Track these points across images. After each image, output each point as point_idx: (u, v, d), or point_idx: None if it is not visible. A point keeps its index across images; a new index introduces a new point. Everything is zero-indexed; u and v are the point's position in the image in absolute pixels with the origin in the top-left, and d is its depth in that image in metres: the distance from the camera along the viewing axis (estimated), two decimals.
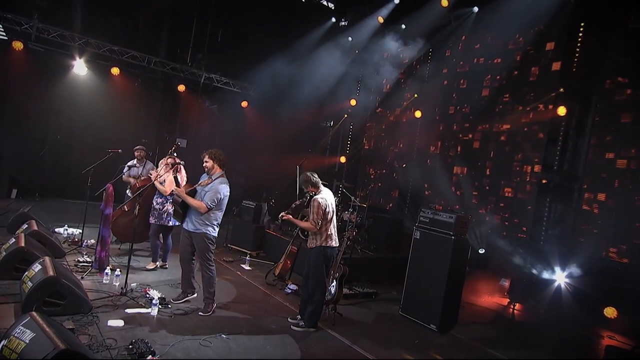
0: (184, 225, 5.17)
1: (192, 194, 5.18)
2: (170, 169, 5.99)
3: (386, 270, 7.71)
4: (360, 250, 7.87)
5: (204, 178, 5.29)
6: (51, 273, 4.30)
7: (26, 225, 6.30)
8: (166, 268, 6.52)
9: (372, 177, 11.80)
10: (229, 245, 8.62)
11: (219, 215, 5.15)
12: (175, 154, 6.21)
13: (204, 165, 5.16)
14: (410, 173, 10.44)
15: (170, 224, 6.27)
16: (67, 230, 7.57)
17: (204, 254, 5.09)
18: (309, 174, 5.06)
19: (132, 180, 7.14)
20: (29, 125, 10.42)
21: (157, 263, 6.50)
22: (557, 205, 7.45)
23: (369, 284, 7.04)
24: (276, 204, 10.04)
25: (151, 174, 6.29)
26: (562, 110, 7.49)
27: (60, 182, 11.11)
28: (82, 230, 6.94)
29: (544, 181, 7.64)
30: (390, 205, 11.03)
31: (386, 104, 11.51)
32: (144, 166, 7.31)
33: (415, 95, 10.52)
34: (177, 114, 12.57)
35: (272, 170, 11.63)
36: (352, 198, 8.18)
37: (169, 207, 6.24)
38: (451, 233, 5.58)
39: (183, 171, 6.22)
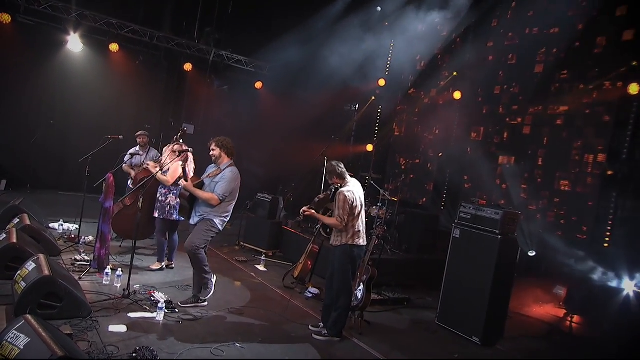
0: (191, 221, 5.30)
1: (200, 187, 5.25)
2: (177, 157, 6.02)
3: (420, 273, 7.71)
4: (390, 250, 7.86)
5: (211, 169, 5.39)
6: (47, 272, 4.35)
7: (18, 220, 6.39)
8: (172, 268, 6.59)
9: (403, 167, 11.69)
10: (242, 243, 8.68)
11: (230, 207, 5.29)
12: (181, 141, 6.32)
13: (210, 154, 5.29)
14: (447, 163, 10.29)
15: (174, 217, 6.32)
16: (62, 225, 7.67)
17: (198, 239, 5.12)
18: (334, 163, 5.12)
19: (132, 172, 7.25)
20: (18, 109, 10.68)
21: (163, 263, 6.54)
22: (625, 200, 7.26)
23: (400, 289, 7.05)
24: (294, 197, 10.07)
25: (148, 165, 6.38)
26: (634, 89, 7.25)
27: (55, 172, 11.31)
28: (80, 226, 7.08)
29: (609, 172, 7.48)
30: (424, 199, 10.93)
31: (420, 84, 11.33)
32: (147, 154, 7.44)
33: (455, 74, 10.36)
34: (183, 97, 12.74)
35: (290, 160, 11.60)
36: (381, 191, 8.15)
37: (172, 200, 6.27)
38: (497, 232, 5.49)
39: (191, 160, 6.23)
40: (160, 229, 6.44)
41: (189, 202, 5.34)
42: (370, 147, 11.92)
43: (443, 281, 5.98)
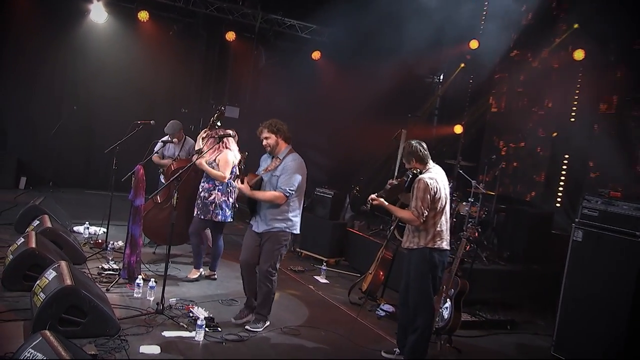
0: (253, 227, 5.45)
1: (258, 186, 5.35)
2: (217, 143, 6.18)
3: (527, 288, 7.58)
4: (486, 258, 7.72)
5: (265, 161, 5.51)
6: (69, 282, 4.52)
7: (38, 222, 6.73)
8: (215, 279, 6.78)
9: (503, 153, 11.39)
10: (298, 249, 8.84)
11: (299, 203, 5.42)
12: (219, 124, 6.44)
13: (264, 143, 5.37)
14: (564, 146, 9.98)
15: (219, 218, 6.46)
16: (88, 229, 8.00)
17: (271, 259, 5.34)
18: (414, 143, 5.09)
19: (165, 161, 7.48)
20: (37, 93, 11.17)
21: (201, 270, 6.77)
22: None
23: (500, 309, 6.95)
24: (362, 193, 9.92)
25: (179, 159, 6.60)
26: None
27: (80, 168, 11.98)
28: (107, 229, 7.28)
29: None
30: (533, 193, 10.64)
31: (527, 43, 10.97)
32: (182, 145, 7.62)
33: (576, 26, 9.92)
34: (225, 73, 13.00)
35: (357, 147, 11.62)
36: (473, 183, 8.08)
37: (219, 197, 6.43)
38: (639, 233, 5.33)
39: (234, 145, 6.45)
40: (196, 228, 6.57)
41: (248, 205, 5.45)
42: (458, 128, 11.68)
43: (560, 299, 5.79)
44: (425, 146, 5.12)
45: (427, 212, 4.87)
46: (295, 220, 5.41)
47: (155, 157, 7.55)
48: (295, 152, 5.42)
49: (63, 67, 11.38)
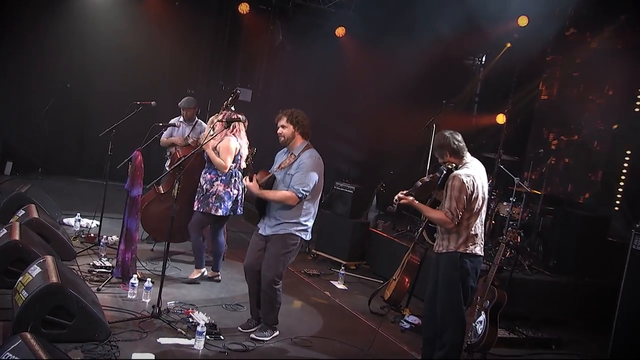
0: (260, 229, 5.52)
1: (270, 184, 5.38)
2: (226, 128, 6.22)
3: (577, 303, 7.52)
4: (528, 267, 7.64)
5: (280, 157, 5.55)
6: (55, 279, 4.52)
7: (23, 212, 6.78)
8: (219, 281, 6.86)
9: (552, 147, 11.24)
10: (314, 251, 8.86)
11: (313, 206, 5.45)
12: (233, 108, 6.47)
13: (278, 131, 5.39)
14: (626, 140, 9.79)
15: (220, 212, 6.51)
16: (80, 221, 8.09)
17: (276, 266, 5.35)
18: (447, 134, 5.04)
19: (175, 138, 7.68)
20: (26, 70, 11.10)
21: (203, 270, 6.83)
22: None
23: (545, 326, 6.88)
24: (390, 189, 9.70)
25: (190, 140, 6.60)
26: None
27: (72, 153, 12.12)
28: (100, 222, 7.32)
29: None
30: (587, 195, 10.48)
31: (585, 19, 10.74)
32: (193, 127, 7.81)
33: None
34: (237, 50, 13.01)
35: (385, 136, 11.60)
36: (516, 180, 8.02)
37: (221, 188, 6.50)
38: None
39: (244, 134, 6.56)
40: (196, 223, 6.63)
41: (257, 206, 5.48)
42: (501, 118, 11.42)
43: (615, 316, 5.76)
44: (460, 137, 5.05)
45: (462, 214, 4.84)
46: (307, 225, 5.42)
47: (164, 139, 7.75)
48: (313, 148, 5.44)
49: (55, 40, 11.32)
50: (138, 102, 7.20)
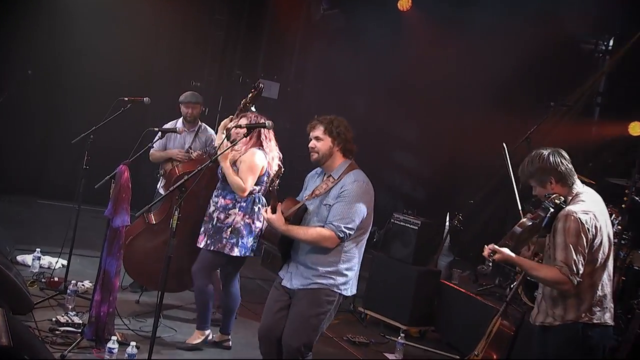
0: (284, 280, 5.30)
1: (299, 218, 5.21)
2: (245, 136, 6.04)
3: None
4: None
5: (313, 181, 5.42)
6: (4, 341, 4.39)
7: None
8: (229, 347, 6.75)
9: None
10: (361, 309, 8.65)
11: (358, 249, 5.22)
12: (253, 108, 6.40)
13: (310, 144, 5.21)
14: None
15: (237, 252, 6.31)
16: (39, 259, 7.89)
17: (305, 332, 5.16)
18: (548, 153, 4.84)
19: (172, 152, 7.51)
20: None
21: (208, 332, 6.63)
22: None
23: None
24: (465, 222, 9.63)
25: (193, 154, 6.63)
26: None
27: (32, 165, 11.65)
28: (69, 262, 7.15)
29: None
30: None
31: None
32: (196, 134, 7.65)
33: None
34: (260, 30, 12.84)
35: (464, 149, 11.10)
36: None
37: (239, 219, 6.36)
38: None
39: (273, 143, 6.50)
40: (202, 266, 6.43)
41: (280, 247, 5.27)
42: (636, 128, 11.04)
43: None
44: (567, 158, 4.85)
45: (581, 267, 4.60)
46: (350, 275, 5.17)
47: (154, 152, 7.53)
48: (359, 169, 5.21)
49: (14, 14, 11.04)
50: (125, 98, 7.06)
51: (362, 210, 5.02)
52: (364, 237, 5.19)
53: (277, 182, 5.14)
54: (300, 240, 5.11)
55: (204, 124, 7.77)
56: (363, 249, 5.24)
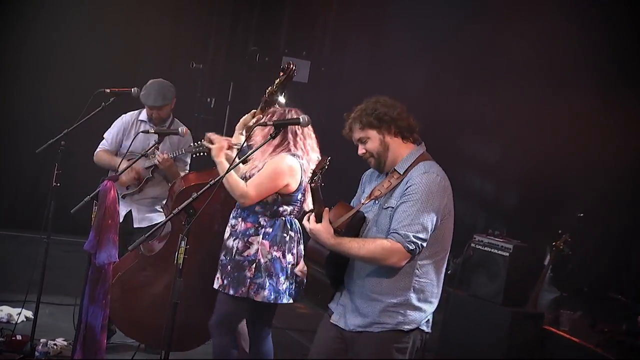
0: (334, 316, 5.00)
1: (355, 226, 4.97)
2: (272, 138, 5.62)
3: None
4: None
5: (371, 179, 5.17)
6: None
7: None
8: None
9: None
10: None
11: (433, 266, 4.94)
12: (282, 99, 6.15)
13: (360, 152, 4.96)
14: None
15: (265, 295, 6.05)
16: None
17: None
18: None
19: (137, 168, 7.21)
20: None
21: None
22: None
23: None
24: (576, 245, 9.27)
25: (158, 158, 6.48)
26: None
27: None
28: (36, 313, 6.83)
29: None
30: None
31: None
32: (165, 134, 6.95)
33: None
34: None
35: (564, 147, 10.69)
36: None
37: (266, 249, 6.04)
38: None
39: (312, 143, 6.22)
40: (222, 317, 6.12)
41: (327, 269, 5.02)
42: None
43: None
44: None
45: None
46: (427, 309, 4.86)
47: (102, 153, 7.45)
48: (431, 159, 4.88)
49: None
50: (107, 90, 6.74)
51: (433, 213, 4.75)
52: (446, 252, 4.85)
53: (319, 180, 4.72)
54: (355, 258, 4.81)
55: (176, 119, 7.44)
56: (444, 271, 4.86)
